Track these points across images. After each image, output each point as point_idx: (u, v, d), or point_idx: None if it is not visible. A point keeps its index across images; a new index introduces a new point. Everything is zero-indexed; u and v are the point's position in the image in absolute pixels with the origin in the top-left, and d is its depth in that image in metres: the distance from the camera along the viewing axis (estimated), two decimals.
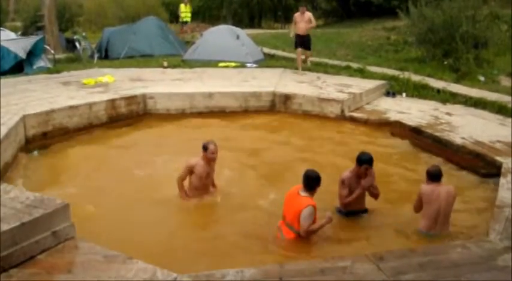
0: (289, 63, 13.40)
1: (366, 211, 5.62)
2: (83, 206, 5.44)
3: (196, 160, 5.75)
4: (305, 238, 4.82)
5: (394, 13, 15.01)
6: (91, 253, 3.67)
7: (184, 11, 20.03)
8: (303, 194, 4.84)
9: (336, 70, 12.62)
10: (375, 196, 5.61)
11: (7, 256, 3.35)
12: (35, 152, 7.55)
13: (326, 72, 12.38)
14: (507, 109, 9.24)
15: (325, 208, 5.22)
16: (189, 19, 20.37)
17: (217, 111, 9.68)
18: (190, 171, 5.73)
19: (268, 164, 7.19)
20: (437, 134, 7.98)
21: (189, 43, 16.51)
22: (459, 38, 12.41)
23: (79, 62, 14.05)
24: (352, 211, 5.52)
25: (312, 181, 4.86)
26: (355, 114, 9.39)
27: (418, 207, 5.17)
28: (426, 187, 5.11)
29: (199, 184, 5.77)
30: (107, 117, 8.89)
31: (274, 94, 10.01)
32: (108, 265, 3.49)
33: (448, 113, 9.34)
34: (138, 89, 9.83)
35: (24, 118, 7.62)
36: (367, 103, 10.16)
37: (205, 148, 5.71)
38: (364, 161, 5.37)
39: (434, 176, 5.14)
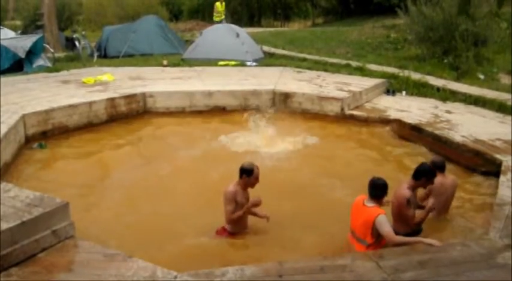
0: (288, 62, 13.40)
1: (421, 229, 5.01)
2: (83, 205, 5.44)
3: (235, 187, 4.96)
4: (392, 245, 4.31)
5: (394, 11, 15.00)
6: (91, 251, 3.68)
7: (220, 11, 18.63)
8: (370, 204, 4.44)
9: (336, 68, 12.60)
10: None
11: (7, 254, 3.36)
12: (36, 145, 7.56)
13: (326, 70, 12.37)
14: (507, 107, 9.23)
15: None
16: (223, 18, 18.81)
17: (217, 109, 9.69)
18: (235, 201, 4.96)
19: (268, 164, 7.18)
20: (437, 132, 7.98)
21: (188, 42, 16.51)
22: (459, 36, 12.40)
23: (79, 60, 14.02)
24: (410, 233, 4.79)
25: (378, 190, 4.45)
26: (355, 113, 9.39)
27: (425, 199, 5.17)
28: (435, 181, 5.10)
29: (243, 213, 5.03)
30: (106, 116, 8.89)
31: (274, 93, 10.01)
32: (108, 264, 3.50)
33: (447, 111, 9.34)
34: (137, 88, 9.83)
35: (23, 117, 7.63)
36: (367, 101, 10.15)
37: (248, 172, 4.95)
38: (424, 172, 4.85)
39: (441, 166, 5.23)
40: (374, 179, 4.53)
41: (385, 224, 4.32)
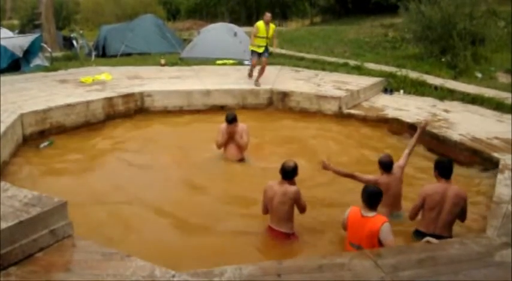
0: (286, 61, 13.40)
1: None
2: (81, 204, 5.43)
3: (297, 187, 4.96)
4: None
5: (392, 10, 15.08)
6: (89, 251, 3.68)
7: (262, 36, 10.42)
8: (370, 214, 4.33)
9: (334, 67, 12.62)
10: None
11: (5, 254, 3.36)
12: (45, 144, 7.58)
13: (324, 69, 12.39)
14: (504, 105, 9.25)
15: None
16: (270, 47, 11.09)
17: (215, 108, 9.69)
18: None
19: (268, 164, 7.17)
20: (435, 130, 7.99)
21: (186, 41, 16.51)
22: (456, 35, 12.43)
23: (76, 60, 14.02)
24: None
25: (376, 198, 4.34)
26: (353, 112, 9.39)
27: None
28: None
29: None
30: (104, 115, 8.87)
31: (272, 91, 10.02)
32: (106, 263, 3.49)
33: (445, 110, 9.35)
34: (135, 87, 9.81)
35: (21, 116, 7.61)
36: (365, 100, 10.16)
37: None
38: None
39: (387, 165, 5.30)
40: (369, 188, 4.42)
41: (389, 233, 4.26)
